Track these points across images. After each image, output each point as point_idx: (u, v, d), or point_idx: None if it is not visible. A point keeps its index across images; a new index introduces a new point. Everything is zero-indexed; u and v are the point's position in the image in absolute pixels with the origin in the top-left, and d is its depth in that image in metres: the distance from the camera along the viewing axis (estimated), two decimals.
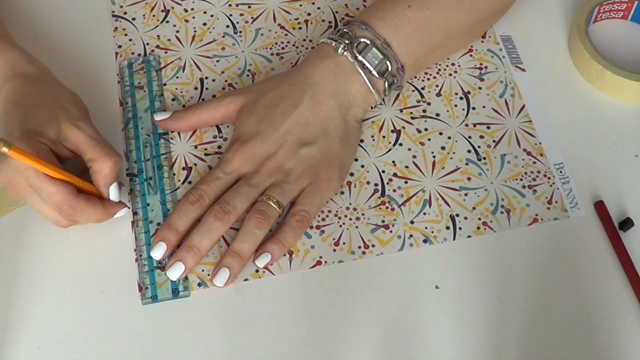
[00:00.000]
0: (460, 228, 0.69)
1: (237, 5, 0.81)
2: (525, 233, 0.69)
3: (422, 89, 0.76)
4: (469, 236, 0.68)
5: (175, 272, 0.65)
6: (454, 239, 0.68)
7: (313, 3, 0.81)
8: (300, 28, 0.80)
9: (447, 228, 0.69)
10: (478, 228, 0.69)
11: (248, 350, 0.63)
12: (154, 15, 0.80)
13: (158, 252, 0.66)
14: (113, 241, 0.68)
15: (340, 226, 0.69)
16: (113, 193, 0.66)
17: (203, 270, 0.66)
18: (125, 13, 0.80)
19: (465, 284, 0.66)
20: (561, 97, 0.76)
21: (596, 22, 0.80)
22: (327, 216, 0.69)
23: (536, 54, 0.79)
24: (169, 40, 0.79)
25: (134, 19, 0.80)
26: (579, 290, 0.66)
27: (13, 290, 0.65)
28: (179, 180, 0.71)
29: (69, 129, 0.65)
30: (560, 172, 0.72)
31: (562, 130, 0.74)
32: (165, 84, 0.76)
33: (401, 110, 0.75)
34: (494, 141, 0.73)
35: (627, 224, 0.68)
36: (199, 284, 0.65)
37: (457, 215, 0.69)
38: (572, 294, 0.66)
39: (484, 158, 0.72)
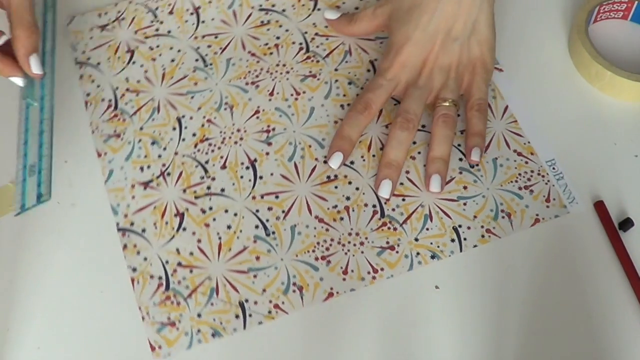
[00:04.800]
0: (465, 239, 0.68)
1: (203, 37, 0.79)
2: (528, 235, 0.68)
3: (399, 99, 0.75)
4: (475, 246, 0.68)
5: (385, 189, 0.69)
6: (461, 251, 0.68)
7: (280, 26, 0.80)
8: (271, 53, 0.78)
9: (452, 240, 0.68)
10: (482, 236, 0.68)
11: None
12: (119, 58, 0.78)
13: (336, 161, 0.70)
14: (113, 241, 0.67)
15: (346, 253, 0.67)
16: (34, 64, 0.67)
17: (215, 320, 0.64)
18: (89, 59, 0.78)
19: (465, 284, 0.66)
20: (561, 97, 0.76)
21: (596, 22, 0.80)
22: (330, 245, 0.68)
23: (536, 54, 0.79)
24: (138, 81, 0.76)
25: (98, 63, 0.77)
26: (579, 290, 0.66)
27: (13, 291, 0.65)
28: (173, 228, 0.69)
29: None
30: (553, 168, 0.71)
31: (562, 130, 0.74)
32: (142, 128, 0.74)
33: (386, 127, 0.74)
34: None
35: (627, 224, 0.68)
36: (213, 335, 0.64)
37: (460, 226, 0.69)
38: (572, 294, 0.66)
39: (477, 164, 0.72)
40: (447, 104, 0.71)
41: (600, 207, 0.69)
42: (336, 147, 0.70)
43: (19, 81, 0.69)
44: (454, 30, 0.72)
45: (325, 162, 0.71)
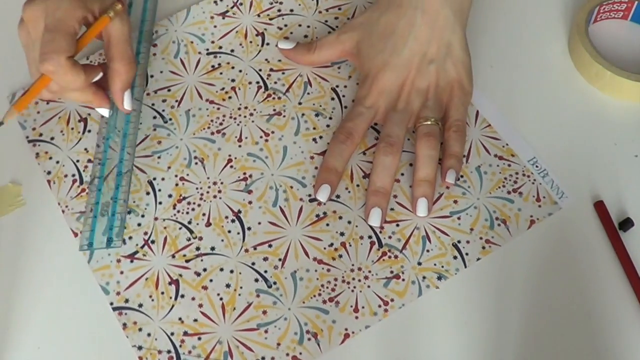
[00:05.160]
0: (467, 254, 0.67)
1: (155, 92, 0.76)
2: (527, 238, 0.68)
3: (375, 124, 0.74)
4: (478, 259, 0.67)
5: (375, 217, 0.68)
6: (466, 267, 0.67)
7: (233, 67, 0.77)
8: (230, 97, 0.76)
9: (455, 258, 0.67)
10: (483, 248, 0.68)
11: None
12: (72, 128, 0.74)
13: (324, 194, 0.69)
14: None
15: (352, 291, 0.66)
16: (127, 100, 0.69)
17: None
18: (41, 135, 0.74)
19: (465, 284, 0.66)
20: (561, 97, 0.76)
21: (596, 22, 0.80)
22: (335, 285, 0.66)
23: (536, 54, 0.79)
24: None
25: (52, 138, 0.73)
26: (579, 290, 0.66)
27: (13, 290, 0.65)
28: (171, 298, 0.66)
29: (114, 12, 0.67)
30: (536, 166, 0.71)
31: (562, 130, 0.74)
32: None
33: (364, 153, 0.73)
34: (464, 156, 0.72)
35: (627, 224, 0.68)
36: None
37: (459, 241, 0.68)
38: (572, 294, 0.66)
39: (462, 176, 0.71)
40: (429, 123, 0.70)
41: (600, 207, 0.69)
42: (322, 180, 0.69)
43: (105, 112, 0.70)
44: (429, 54, 0.72)
45: (310, 200, 0.70)
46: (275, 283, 0.66)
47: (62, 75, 0.64)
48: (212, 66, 0.77)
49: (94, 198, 0.68)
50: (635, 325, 0.64)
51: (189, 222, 0.69)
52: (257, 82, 0.76)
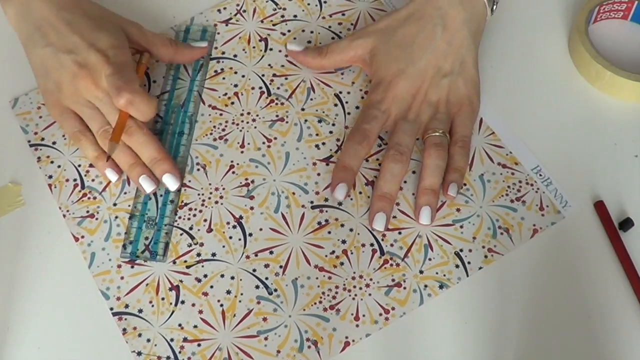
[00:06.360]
0: (469, 262, 0.67)
1: (157, 97, 0.76)
2: (530, 246, 0.68)
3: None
4: (480, 268, 0.67)
5: (379, 222, 0.68)
6: (467, 276, 0.67)
7: (236, 72, 0.77)
8: (232, 103, 0.75)
9: (457, 266, 0.67)
10: (485, 257, 0.67)
11: None
12: None
13: (341, 192, 0.69)
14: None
15: (353, 298, 0.66)
16: (195, 44, 0.76)
17: None
18: (42, 139, 0.73)
19: (467, 293, 0.66)
20: (561, 97, 0.76)
21: (596, 22, 0.79)
22: (336, 293, 0.66)
23: (536, 54, 0.79)
24: None
25: (54, 142, 0.73)
26: (579, 290, 0.66)
27: (13, 290, 0.65)
28: (171, 304, 0.65)
29: (130, 27, 0.73)
30: (540, 175, 0.71)
31: (562, 130, 0.74)
32: (115, 204, 0.70)
33: (367, 160, 0.72)
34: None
35: (627, 224, 0.68)
36: None
37: (462, 250, 0.68)
38: (572, 294, 0.66)
39: (464, 184, 0.71)
40: (439, 134, 0.70)
41: (600, 207, 0.69)
42: (339, 179, 0.69)
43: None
44: (444, 68, 0.72)
45: (312, 207, 0.69)
46: (276, 290, 0.66)
47: (139, 102, 0.67)
48: (215, 71, 0.77)
49: (139, 209, 0.69)
50: (635, 325, 0.64)
51: (190, 228, 0.69)
52: (260, 88, 0.76)
